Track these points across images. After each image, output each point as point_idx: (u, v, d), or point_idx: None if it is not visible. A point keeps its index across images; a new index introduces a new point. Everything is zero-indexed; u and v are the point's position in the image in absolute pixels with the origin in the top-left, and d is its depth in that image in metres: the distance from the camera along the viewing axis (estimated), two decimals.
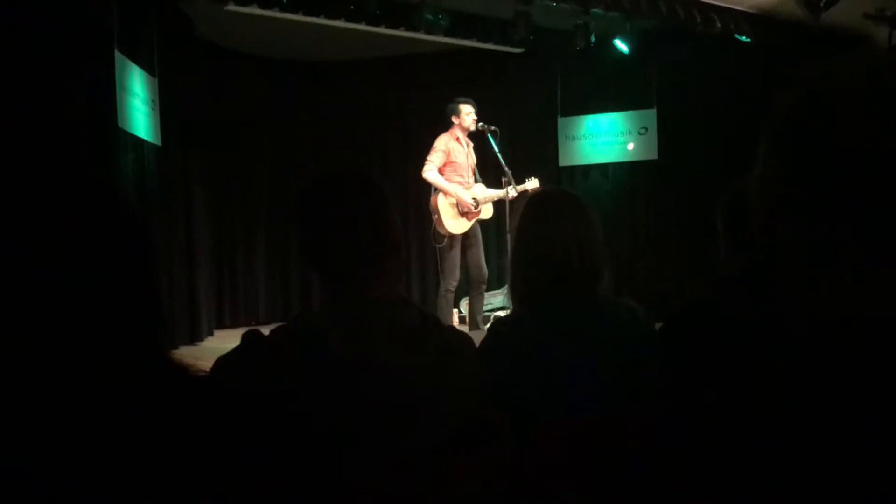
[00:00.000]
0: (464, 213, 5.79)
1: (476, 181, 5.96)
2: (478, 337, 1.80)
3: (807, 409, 0.68)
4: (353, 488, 1.24)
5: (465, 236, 5.84)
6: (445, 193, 5.75)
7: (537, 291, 1.81)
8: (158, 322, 0.87)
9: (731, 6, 6.41)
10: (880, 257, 0.73)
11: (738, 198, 1.89)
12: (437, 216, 5.76)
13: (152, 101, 5.90)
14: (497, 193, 5.88)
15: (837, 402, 0.67)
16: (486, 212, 5.96)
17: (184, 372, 0.87)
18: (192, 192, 6.80)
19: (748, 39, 6.63)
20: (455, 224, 5.77)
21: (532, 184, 5.93)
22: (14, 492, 0.69)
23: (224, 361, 1.39)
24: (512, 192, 5.76)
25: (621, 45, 6.96)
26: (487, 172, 6.07)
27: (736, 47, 6.77)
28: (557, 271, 1.78)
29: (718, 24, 6.35)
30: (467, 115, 5.80)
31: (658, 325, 1.95)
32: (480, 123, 5.80)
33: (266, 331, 1.42)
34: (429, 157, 5.76)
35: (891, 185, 0.70)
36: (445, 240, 5.78)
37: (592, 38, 6.54)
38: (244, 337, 1.41)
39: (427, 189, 5.88)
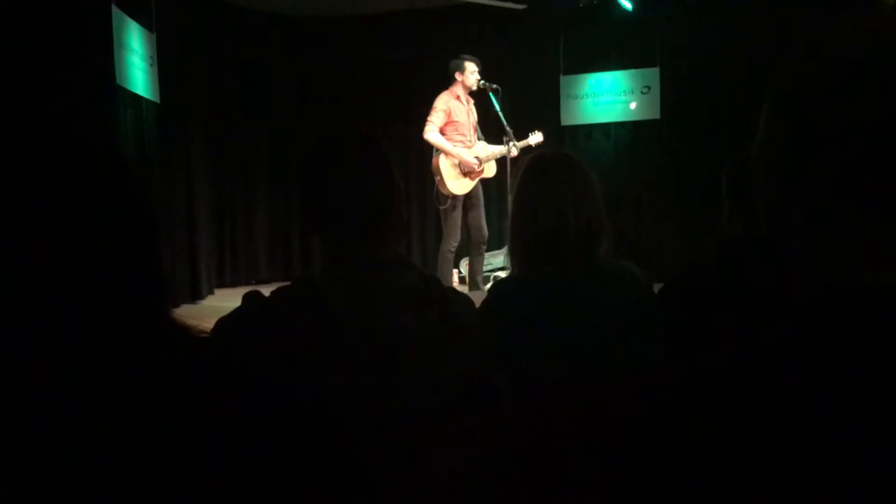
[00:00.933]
0: (466, 173, 5.77)
1: (479, 139, 5.92)
2: (478, 297, 1.80)
3: (808, 375, 0.68)
4: (355, 449, 1.26)
5: (467, 197, 5.82)
6: (447, 154, 5.72)
7: (536, 254, 1.81)
8: (159, 283, 0.87)
9: None
10: (881, 224, 0.73)
11: (744, 161, 1.88)
12: (439, 177, 5.74)
13: (151, 57, 5.84)
14: (500, 150, 5.85)
15: (839, 368, 0.67)
16: (490, 170, 5.93)
17: (186, 332, 0.87)
18: (192, 150, 6.76)
19: None
20: (458, 184, 5.75)
21: (535, 138, 5.90)
22: (18, 450, 0.70)
23: (225, 323, 1.39)
24: (514, 149, 5.73)
25: (625, 2, 6.87)
26: (489, 132, 6.03)
27: (742, 5, 6.67)
28: (556, 234, 1.78)
29: None
30: (472, 73, 5.74)
31: (658, 287, 1.96)
32: (482, 82, 5.75)
33: (266, 291, 1.42)
34: (429, 118, 5.71)
35: (892, 153, 0.70)
36: (449, 200, 5.77)
37: None
38: (245, 298, 1.41)
39: (428, 149, 5.85)
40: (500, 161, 5.89)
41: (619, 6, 6.89)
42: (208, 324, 1.37)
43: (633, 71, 7.61)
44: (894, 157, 0.70)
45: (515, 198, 1.90)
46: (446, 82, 5.85)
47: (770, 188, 0.80)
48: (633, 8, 6.88)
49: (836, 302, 0.72)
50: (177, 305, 6.20)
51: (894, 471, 0.63)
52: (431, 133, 5.70)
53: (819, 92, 0.73)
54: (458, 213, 5.82)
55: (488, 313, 1.77)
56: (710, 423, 0.69)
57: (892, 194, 0.72)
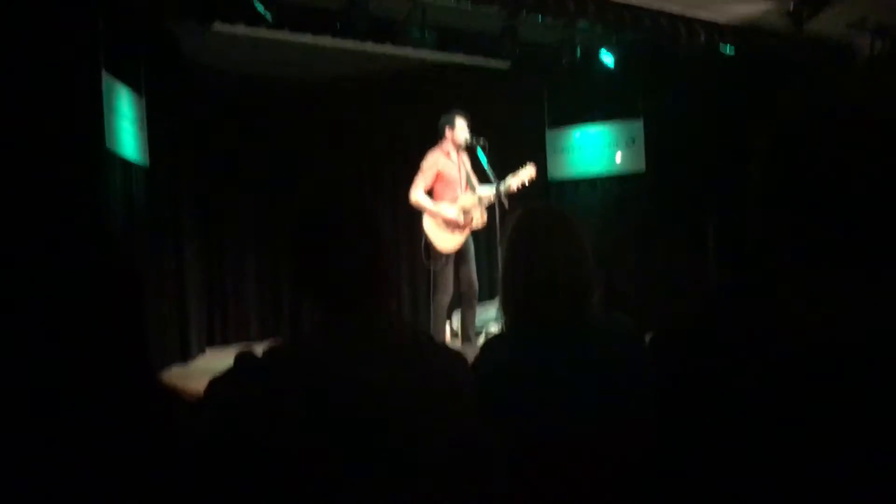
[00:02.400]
0: (454, 228, 5.79)
1: (472, 188, 5.93)
2: (470, 351, 1.80)
3: (798, 423, 0.68)
4: None
5: (459, 252, 5.84)
6: (431, 214, 5.76)
7: (528, 310, 1.82)
8: (146, 347, 0.86)
9: (715, 19, 6.47)
10: (869, 276, 0.74)
11: (729, 211, 1.90)
12: (427, 238, 5.78)
13: (140, 120, 5.90)
14: (489, 191, 5.84)
15: (829, 417, 0.67)
16: (478, 220, 5.94)
17: (174, 396, 0.87)
18: (181, 211, 6.79)
19: (732, 52, 6.69)
20: (446, 241, 5.78)
21: (528, 171, 5.88)
22: None
23: (217, 383, 1.38)
24: (509, 185, 5.75)
25: (607, 59, 7.01)
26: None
27: (721, 58, 6.82)
28: (546, 290, 1.79)
29: (702, 37, 6.41)
30: (461, 129, 5.79)
31: (648, 336, 1.96)
32: (471, 137, 5.80)
33: (258, 349, 1.42)
34: (415, 179, 5.77)
35: (879, 206, 0.71)
36: (441, 258, 5.80)
37: (578, 52, 6.59)
38: (236, 358, 1.41)
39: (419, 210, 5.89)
40: (490, 212, 5.90)
41: (601, 62, 7.03)
42: (198, 384, 1.36)
43: (617, 124, 7.73)
44: (879, 212, 0.72)
45: (506, 253, 1.91)
46: (436, 137, 5.91)
47: (762, 241, 0.82)
48: (616, 63, 7.01)
49: (823, 351, 0.72)
50: (167, 366, 6.15)
51: None
52: (415, 193, 5.75)
53: (806, 151, 0.75)
54: (449, 269, 5.83)
55: (480, 370, 1.76)
56: (703, 475, 0.69)
57: (878, 248, 0.73)
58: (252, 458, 0.90)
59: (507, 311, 1.90)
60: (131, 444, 0.77)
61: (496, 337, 1.96)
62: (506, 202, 5.72)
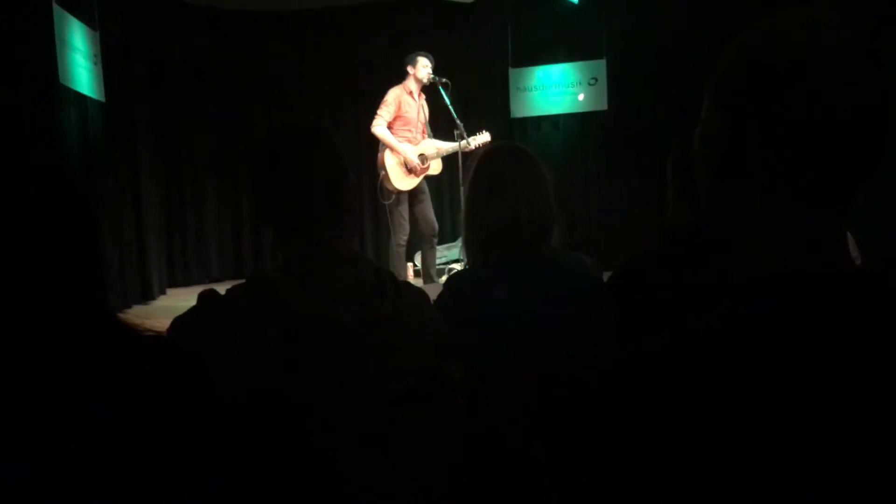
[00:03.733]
0: (410, 170, 5.78)
1: (428, 136, 5.92)
2: (433, 290, 1.82)
3: (747, 360, 0.71)
4: (313, 444, 1.27)
5: (413, 192, 5.84)
6: (393, 150, 5.73)
7: (490, 247, 1.84)
8: (100, 281, 0.86)
9: None
10: (814, 215, 0.77)
11: (687, 148, 1.93)
12: (384, 172, 5.74)
13: (94, 55, 5.73)
14: (448, 146, 5.86)
15: (776, 355, 0.70)
16: (435, 168, 5.94)
17: (130, 331, 0.87)
18: (138, 148, 6.65)
19: None
20: (402, 181, 5.77)
21: (483, 137, 5.90)
22: None
23: (181, 321, 1.39)
24: (465, 143, 5.73)
25: None
26: (440, 126, 6.03)
27: None
28: (509, 226, 1.81)
29: None
30: (424, 67, 5.75)
31: (606, 275, 2.00)
32: (433, 76, 5.76)
33: (221, 289, 1.42)
34: (378, 112, 5.71)
35: (825, 148, 0.73)
36: (393, 196, 5.78)
37: None
38: (200, 296, 1.41)
39: (377, 142, 5.84)
40: (451, 154, 5.90)
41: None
42: (161, 323, 1.37)
43: (580, 63, 7.69)
44: (824, 154, 0.74)
45: (469, 191, 1.93)
46: (399, 75, 5.85)
47: (707, 177, 0.84)
48: (579, 1, 6.94)
49: (766, 287, 0.75)
50: (128, 306, 6.10)
51: (833, 446, 0.67)
52: (378, 127, 5.70)
53: (754, 93, 0.76)
54: (405, 207, 5.83)
55: (443, 305, 1.79)
56: (657, 404, 0.72)
57: (823, 188, 0.76)
58: (215, 394, 0.91)
59: (470, 248, 1.92)
60: (78, 375, 0.77)
61: (459, 272, 1.98)
62: (472, 145, 5.71)
